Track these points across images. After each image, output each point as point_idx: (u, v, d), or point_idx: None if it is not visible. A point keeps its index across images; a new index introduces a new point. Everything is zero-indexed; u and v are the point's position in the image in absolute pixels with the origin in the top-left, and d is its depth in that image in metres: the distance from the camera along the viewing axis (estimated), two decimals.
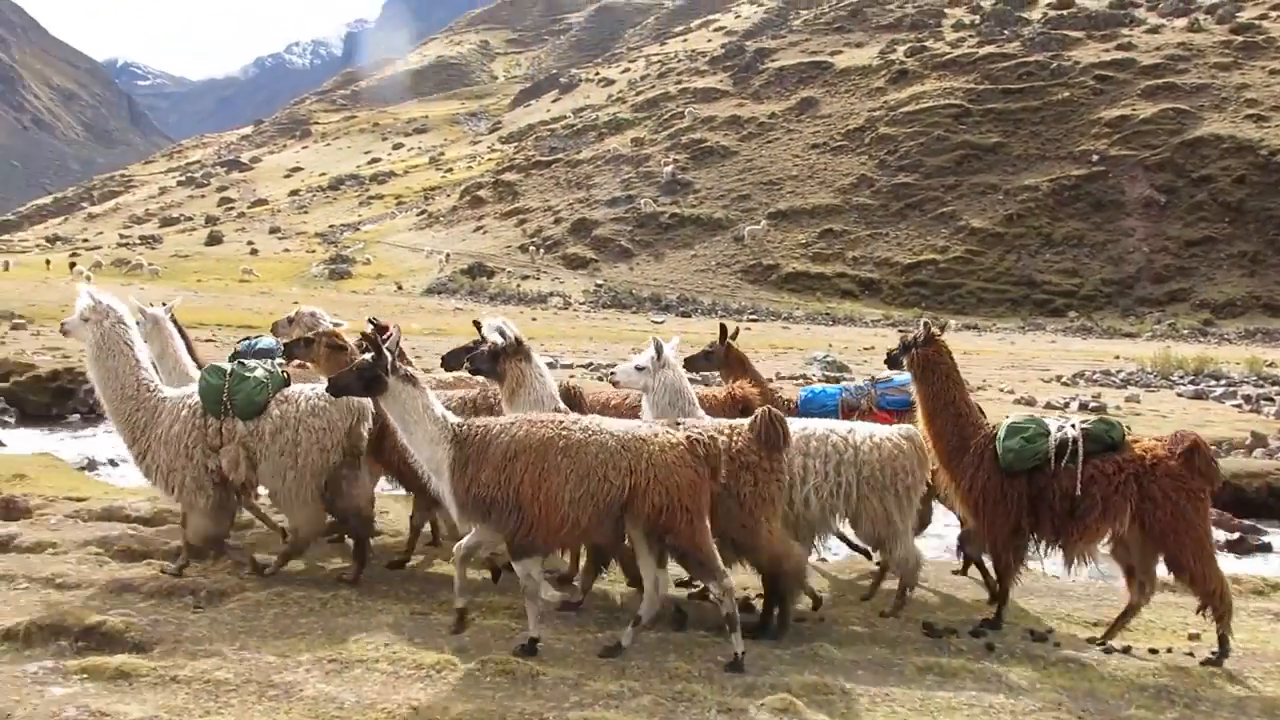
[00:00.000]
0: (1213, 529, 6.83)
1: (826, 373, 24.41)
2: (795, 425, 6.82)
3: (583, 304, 53.53)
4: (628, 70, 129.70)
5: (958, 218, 58.67)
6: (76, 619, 5.87)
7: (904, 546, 6.99)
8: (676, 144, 75.76)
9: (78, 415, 17.34)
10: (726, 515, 6.23)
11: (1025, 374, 26.32)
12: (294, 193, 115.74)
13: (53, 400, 17.65)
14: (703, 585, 6.87)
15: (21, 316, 30.63)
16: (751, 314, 49.68)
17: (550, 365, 24.02)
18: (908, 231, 59.33)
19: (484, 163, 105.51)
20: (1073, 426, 6.66)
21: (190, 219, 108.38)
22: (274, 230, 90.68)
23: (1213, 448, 6.80)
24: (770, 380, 10.11)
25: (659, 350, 7.10)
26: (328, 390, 6.44)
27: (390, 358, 6.04)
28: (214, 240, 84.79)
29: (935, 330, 7.23)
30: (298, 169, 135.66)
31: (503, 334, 6.91)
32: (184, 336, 8.64)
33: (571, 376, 21.20)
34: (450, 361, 8.18)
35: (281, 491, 7.21)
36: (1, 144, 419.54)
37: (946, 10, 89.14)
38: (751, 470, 6.31)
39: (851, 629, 6.82)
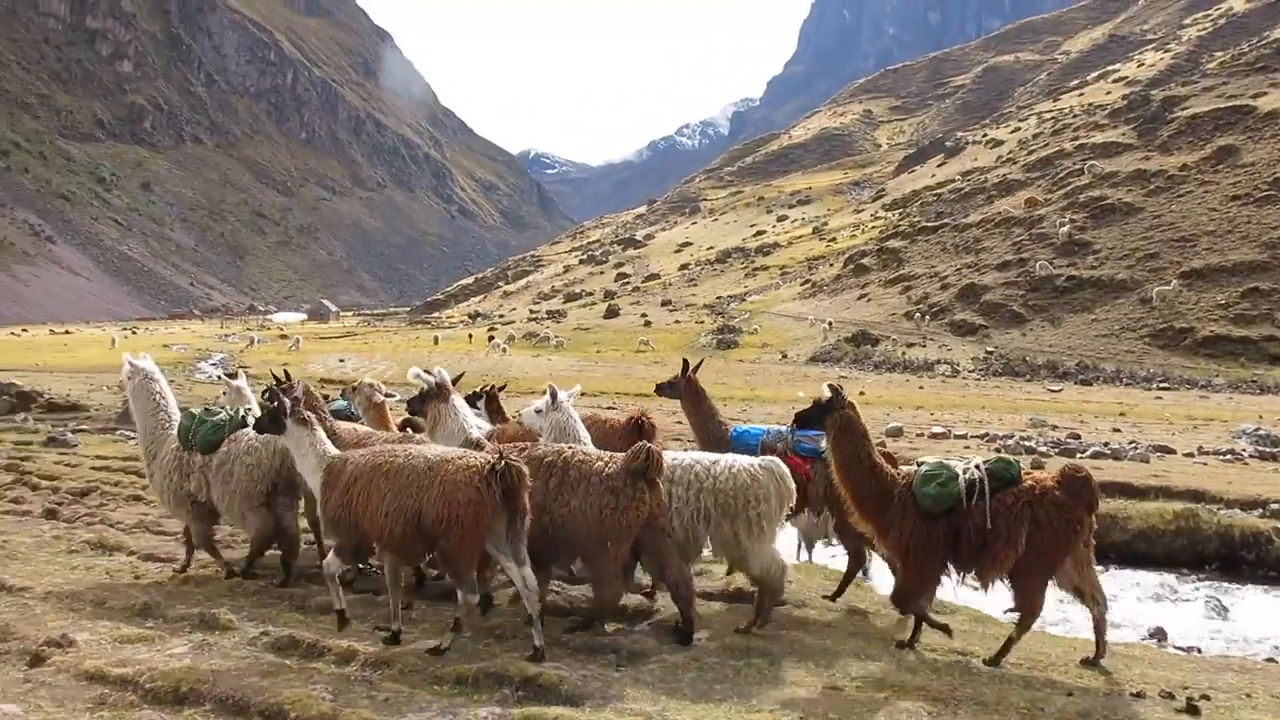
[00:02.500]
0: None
1: (1259, 447, 21.86)
2: (667, 456, 7.55)
3: (972, 371, 51.60)
4: (1018, 130, 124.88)
5: None
6: (518, 670, 6.31)
7: (759, 565, 7.57)
8: (1073, 203, 71.66)
9: None
10: (584, 530, 6.99)
11: None
12: (684, 266, 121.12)
13: None
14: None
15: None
16: (1162, 382, 45.56)
17: (942, 434, 23.09)
18: None
19: (867, 230, 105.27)
20: (977, 468, 7.25)
21: (590, 294, 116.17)
22: (666, 302, 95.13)
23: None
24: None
25: (553, 396, 8.54)
26: (254, 429, 8.05)
27: (289, 405, 7.48)
28: (611, 313, 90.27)
29: (843, 392, 7.70)
30: (687, 244, 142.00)
31: (424, 380, 8.66)
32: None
33: (966, 448, 20.38)
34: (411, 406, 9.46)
35: (225, 508, 9.01)
36: (434, 232, 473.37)
37: None
38: (615, 494, 6.98)
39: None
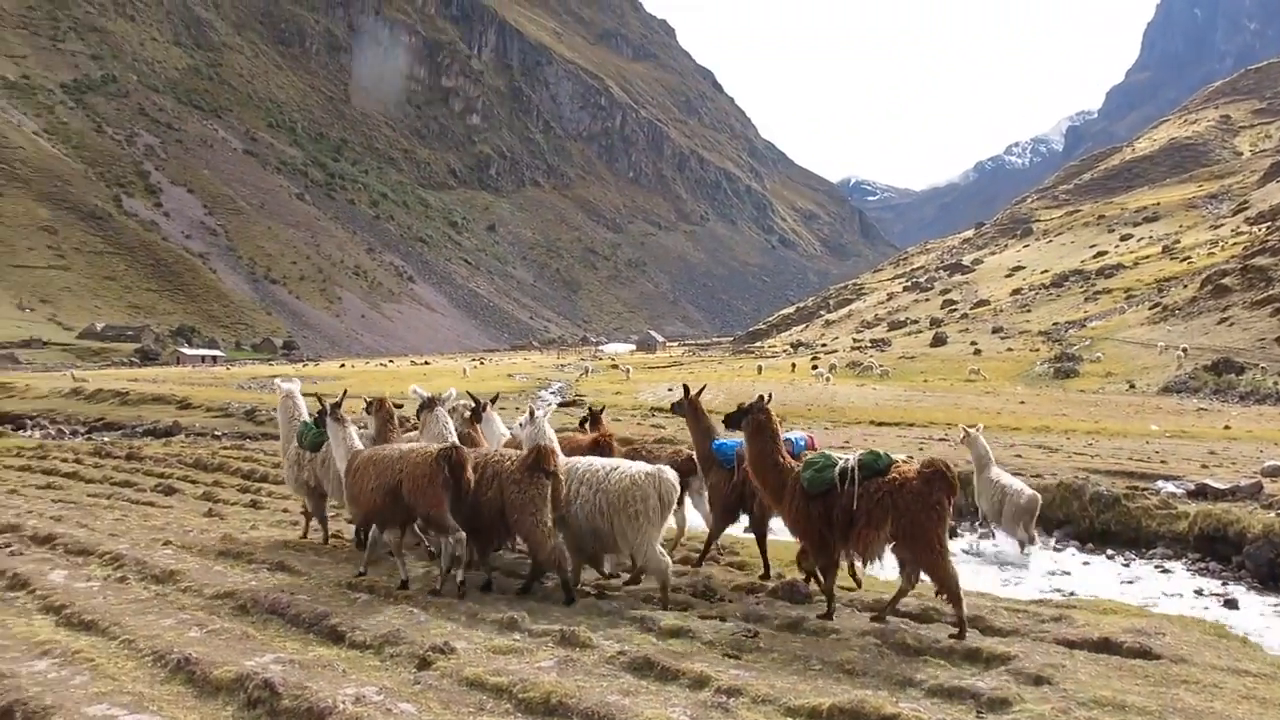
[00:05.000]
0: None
1: None
2: (575, 461, 9.79)
3: None
4: None
5: None
6: (874, 707, 6.15)
7: (641, 555, 9.25)
8: None
9: None
10: (506, 509, 9.21)
11: None
12: (1016, 291, 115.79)
13: None
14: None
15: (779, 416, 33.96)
16: None
17: None
18: None
19: (1228, 247, 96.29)
20: (852, 458, 8.48)
21: (915, 322, 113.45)
22: (996, 330, 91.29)
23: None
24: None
25: (531, 414, 10.60)
26: (313, 423, 11.44)
27: (330, 408, 10.56)
28: (938, 341, 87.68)
29: (763, 399, 9.28)
30: (1019, 268, 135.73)
31: (420, 397, 11.31)
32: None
33: None
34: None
35: (330, 491, 11.83)
36: (755, 262, 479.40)
37: None
38: (516, 484, 9.15)
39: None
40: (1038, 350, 74.50)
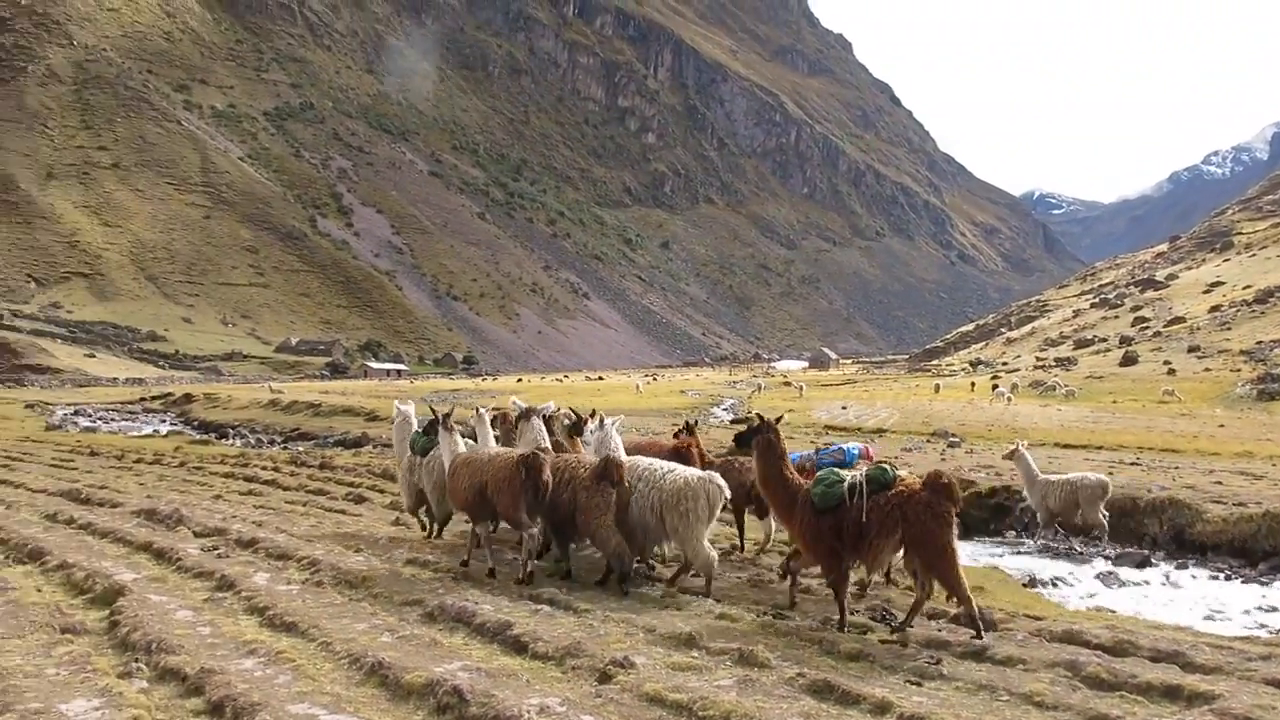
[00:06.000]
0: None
1: None
2: (637, 460, 10.89)
3: None
4: None
5: None
6: None
7: (689, 548, 10.12)
8: None
9: (1013, 532, 18.04)
10: (576, 511, 10.23)
11: None
12: (1214, 308, 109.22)
13: (990, 516, 18.60)
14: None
15: (955, 435, 33.05)
16: None
17: None
18: None
19: None
20: (860, 474, 8.88)
21: (1104, 340, 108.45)
22: (1193, 349, 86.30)
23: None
24: None
25: (601, 422, 11.82)
26: (424, 430, 13.03)
27: (441, 418, 11.95)
28: (1128, 360, 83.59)
29: (771, 420, 9.75)
30: (1218, 283, 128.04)
31: (519, 408, 12.66)
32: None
33: None
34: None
35: (430, 495, 13.00)
36: (933, 279, 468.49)
37: None
38: (586, 489, 10.16)
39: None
40: (1239, 371, 69.98)
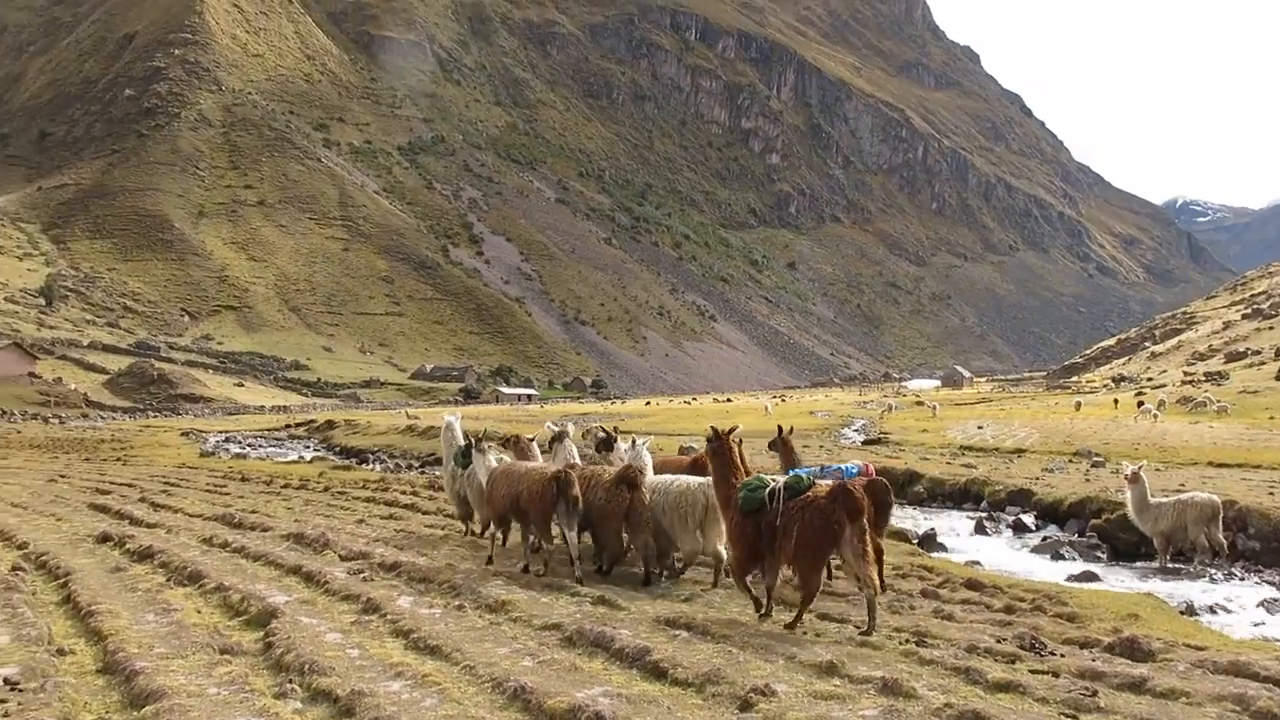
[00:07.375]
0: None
1: None
2: (659, 477, 12.41)
3: None
4: None
5: None
6: None
7: (688, 547, 11.76)
8: None
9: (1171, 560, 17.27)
10: (598, 515, 11.88)
11: None
12: None
13: (1142, 539, 17.86)
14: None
15: (1099, 454, 31.83)
16: None
17: None
18: None
19: None
20: (778, 481, 9.94)
21: (1258, 352, 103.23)
22: None
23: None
24: None
25: (633, 442, 13.53)
26: (460, 455, 14.65)
27: (474, 442, 14.02)
28: None
29: (724, 432, 10.85)
30: None
31: (555, 430, 15.03)
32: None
33: None
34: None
35: (473, 502, 14.45)
36: (1070, 292, 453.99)
37: None
38: (608, 494, 11.64)
39: None
40: None
